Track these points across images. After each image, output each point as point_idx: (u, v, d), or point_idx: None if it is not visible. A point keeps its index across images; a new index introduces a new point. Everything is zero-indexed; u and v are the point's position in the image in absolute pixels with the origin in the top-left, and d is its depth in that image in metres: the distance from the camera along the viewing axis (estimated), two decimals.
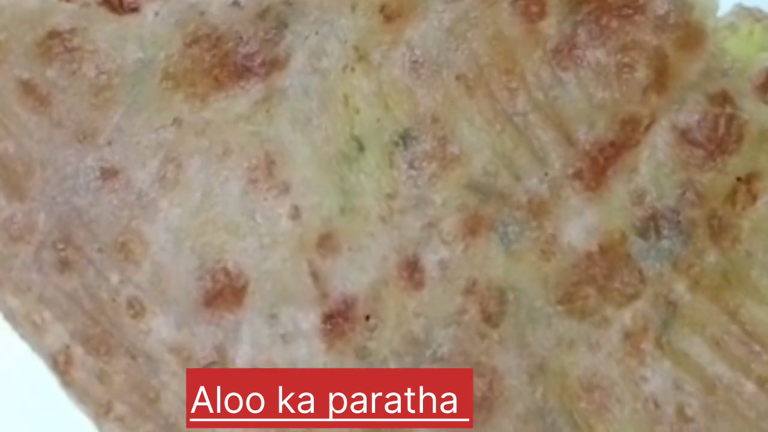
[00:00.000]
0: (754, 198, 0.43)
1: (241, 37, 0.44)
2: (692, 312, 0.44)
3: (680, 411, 0.44)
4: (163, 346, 0.45)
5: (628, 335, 0.44)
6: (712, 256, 0.44)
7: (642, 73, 0.43)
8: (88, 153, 0.45)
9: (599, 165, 0.44)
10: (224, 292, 0.45)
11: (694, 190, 0.44)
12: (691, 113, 0.44)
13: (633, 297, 0.44)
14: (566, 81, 0.44)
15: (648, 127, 0.44)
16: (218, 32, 0.44)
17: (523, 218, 0.44)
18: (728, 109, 0.43)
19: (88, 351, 0.45)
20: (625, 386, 0.44)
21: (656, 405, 0.44)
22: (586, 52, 0.44)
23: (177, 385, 0.45)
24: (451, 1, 0.44)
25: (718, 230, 0.43)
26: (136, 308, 0.45)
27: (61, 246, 0.45)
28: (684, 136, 0.44)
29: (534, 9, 0.44)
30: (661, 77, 0.43)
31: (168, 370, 0.45)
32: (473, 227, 0.44)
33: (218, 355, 0.45)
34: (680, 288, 0.44)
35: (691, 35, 0.44)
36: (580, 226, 0.44)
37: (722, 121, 0.43)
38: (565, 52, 0.44)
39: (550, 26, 0.44)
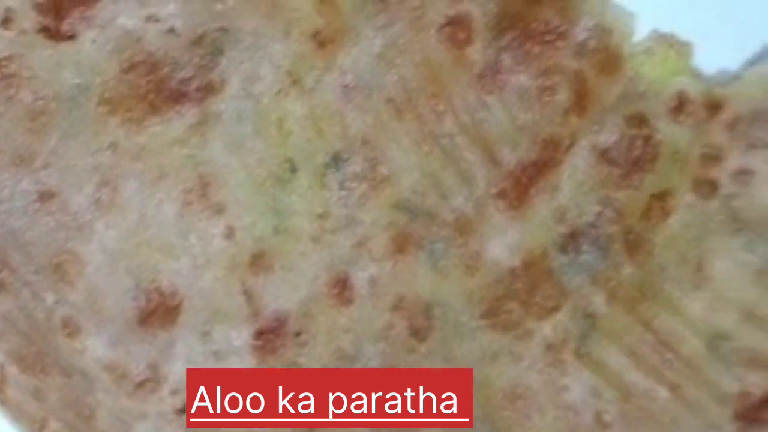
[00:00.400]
0: (666, 214, 0.46)
1: (176, 63, 0.46)
2: (610, 323, 0.46)
3: (598, 418, 0.46)
4: (97, 364, 0.46)
5: (549, 347, 0.46)
6: (628, 270, 0.46)
7: (563, 96, 0.46)
8: (25, 176, 0.46)
9: (522, 184, 0.46)
10: (158, 311, 0.46)
11: (612, 208, 0.46)
12: (609, 134, 0.46)
13: (553, 310, 0.46)
14: (491, 104, 0.46)
15: (569, 148, 0.46)
16: (154, 58, 0.46)
17: (449, 236, 0.46)
18: (644, 130, 0.46)
19: (22, 370, 0.47)
20: (546, 395, 0.46)
21: (576, 412, 0.46)
22: (510, 77, 0.46)
23: (111, 403, 0.47)
24: (382, 28, 0.46)
25: (634, 245, 0.46)
26: (71, 328, 0.46)
27: None
28: (603, 155, 0.46)
29: (461, 35, 0.46)
30: (582, 100, 0.46)
31: (103, 387, 0.47)
32: (401, 245, 0.46)
33: (152, 373, 0.46)
34: (598, 301, 0.46)
35: (610, 60, 0.46)
36: (503, 243, 0.46)
37: (638, 142, 0.46)
38: (489, 77, 0.46)
39: (476, 52, 0.46)
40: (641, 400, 0.46)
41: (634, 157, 0.46)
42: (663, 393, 0.46)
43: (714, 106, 0.46)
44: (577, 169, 0.46)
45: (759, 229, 0.45)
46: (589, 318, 0.46)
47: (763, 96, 0.46)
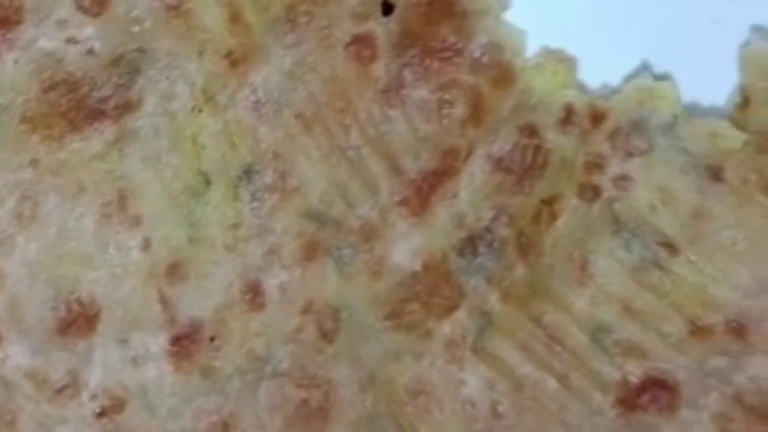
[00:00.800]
0: (554, 217, 0.49)
1: (95, 83, 0.49)
2: (504, 320, 0.49)
3: (493, 409, 0.49)
4: (19, 371, 0.49)
5: (448, 344, 0.49)
6: (520, 270, 0.49)
7: (460, 109, 0.49)
8: None
9: (423, 192, 0.49)
10: (78, 321, 0.49)
11: (505, 213, 0.49)
12: (503, 144, 0.49)
13: (452, 310, 0.49)
14: (394, 117, 0.49)
15: (466, 157, 0.49)
16: (74, 78, 0.49)
17: (355, 242, 0.49)
18: (535, 140, 0.49)
19: None
20: (445, 390, 0.49)
21: (472, 405, 0.49)
22: (412, 91, 0.49)
23: (33, 408, 0.49)
24: (291, 47, 0.49)
25: (525, 247, 0.49)
26: None
27: None
28: (497, 164, 0.49)
29: (365, 53, 0.49)
30: (478, 112, 0.49)
31: (24, 394, 0.49)
32: (310, 252, 0.49)
33: (72, 379, 0.49)
34: (493, 299, 0.49)
35: (503, 75, 0.49)
36: (406, 248, 0.49)
37: (530, 151, 0.49)
38: (393, 92, 0.49)
39: (380, 68, 0.49)
40: (532, 391, 0.49)
41: (526, 165, 0.49)
42: (552, 383, 0.49)
43: (597, 118, 0.49)
44: (474, 177, 0.49)
45: (635, 230, 0.49)
46: (485, 316, 0.49)
47: (639, 108, 0.50)
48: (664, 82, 0.50)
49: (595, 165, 0.49)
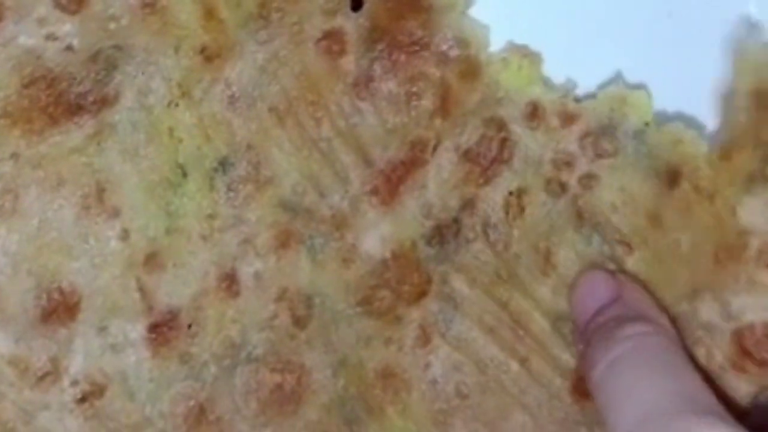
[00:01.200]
0: (522, 210, 0.52)
1: (74, 78, 0.51)
2: (470, 305, 0.52)
3: (458, 389, 0.52)
4: (1, 359, 0.51)
5: (417, 329, 0.51)
6: (487, 258, 0.52)
7: (428, 101, 0.51)
8: None
9: (392, 182, 0.51)
10: (59, 309, 0.51)
11: (472, 203, 0.52)
12: (470, 136, 0.51)
13: (421, 296, 0.51)
14: (364, 110, 0.51)
15: (434, 148, 0.51)
16: (53, 74, 0.50)
17: (327, 231, 0.51)
18: (502, 133, 0.52)
19: None
20: (413, 373, 0.52)
21: (438, 386, 0.52)
22: (381, 84, 0.51)
23: (15, 395, 0.51)
24: (264, 43, 0.51)
25: (493, 237, 0.51)
26: None
27: None
28: (464, 155, 0.51)
29: (335, 48, 0.51)
30: (445, 104, 0.51)
31: (6, 381, 0.51)
32: (284, 241, 0.51)
33: (53, 366, 0.51)
34: (460, 286, 0.52)
35: (470, 68, 0.51)
36: (376, 236, 0.51)
37: (495, 143, 0.51)
38: (362, 85, 0.51)
39: (350, 62, 0.51)
40: (495, 373, 0.52)
41: (492, 157, 0.51)
42: (514, 366, 0.52)
43: (569, 118, 0.52)
44: (441, 168, 0.51)
45: (596, 226, 0.51)
46: (452, 301, 0.52)
47: (610, 114, 0.52)
48: (638, 91, 0.52)
49: (564, 162, 0.51)
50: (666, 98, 0.53)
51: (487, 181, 0.51)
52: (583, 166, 0.52)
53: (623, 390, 0.46)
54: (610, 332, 0.48)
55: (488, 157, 0.51)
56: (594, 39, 0.54)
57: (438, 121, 0.51)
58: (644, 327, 0.48)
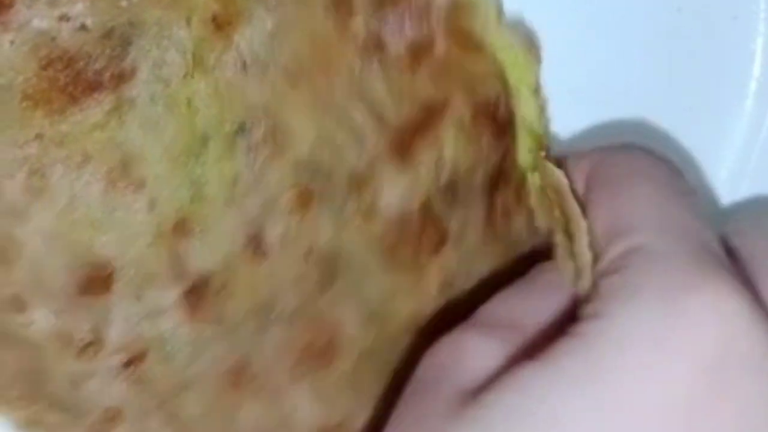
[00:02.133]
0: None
1: (90, 56, 0.53)
2: (487, 249, 0.56)
3: None
4: (44, 334, 0.54)
5: (439, 276, 0.55)
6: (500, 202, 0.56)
7: (435, 63, 0.54)
8: None
9: (407, 139, 0.54)
10: (95, 281, 0.53)
11: (488, 157, 0.55)
12: (486, 94, 0.54)
13: (440, 245, 0.55)
14: (374, 71, 0.54)
15: (447, 107, 0.54)
16: (69, 54, 0.53)
17: (346, 190, 0.54)
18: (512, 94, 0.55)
19: None
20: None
21: None
22: (390, 46, 0.53)
23: (60, 366, 0.54)
24: (272, 9, 0.53)
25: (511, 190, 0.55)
26: (18, 304, 0.53)
27: None
28: (478, 111, 0.54)
29: (344, 9, 0.53)
30: (450, 67, 0.54)
31: (51, 354, 0.54)
32: (305, 201, 0.54)
33: (94, 336, 0.54)
34: (473, 237, 0.55)
35: (473, 38, 0.54)
36: (394, 192, 0.54)
37: (504, 102, 0.55)
38: (372, 47, 0.54)
39: (359, 24, 0.53)
40: None
41: (504, 115, 0.55)
42: None
43: None
44: (454, 124, 0.54)
45: None
46: (466, 252, 0.55)
47: None
48: None
49: None
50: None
51: (502, 135, 0.54)
52: None
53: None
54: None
55: (501, 116, 0.54)
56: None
57: (448, 83, 0.54)
58: None
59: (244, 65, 0.54)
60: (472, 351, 0.49)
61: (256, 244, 0.54)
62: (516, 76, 0.54)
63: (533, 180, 0.54)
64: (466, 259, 0.56)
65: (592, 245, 0.50)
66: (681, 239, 0.47)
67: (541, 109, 0.54)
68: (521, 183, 0.55)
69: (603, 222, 0.49)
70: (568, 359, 0.45)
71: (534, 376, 0.46)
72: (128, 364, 0.54)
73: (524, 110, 0.54)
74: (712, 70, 0.58)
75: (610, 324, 0.45)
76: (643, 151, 0.51)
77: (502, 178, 0.55)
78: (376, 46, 0.54)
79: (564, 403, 0.45)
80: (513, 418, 0.45)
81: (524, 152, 0.55)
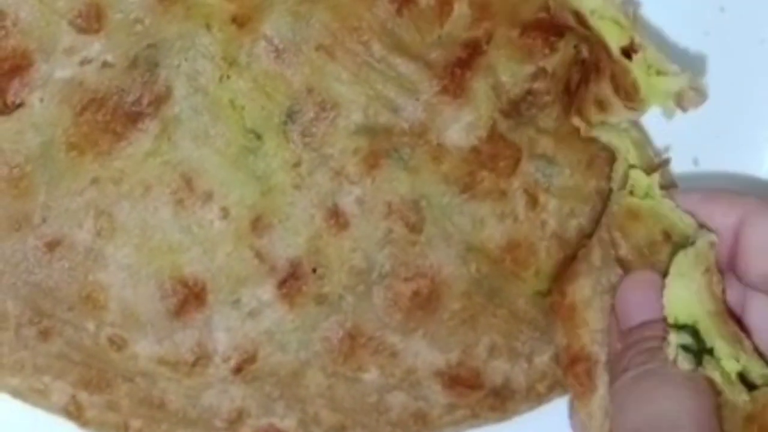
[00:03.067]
0: (596, 63, 0.58)
1: (122, 90, 0.56)
2: (562, 155, 0.60)
3: (579, 230, 0.61)
4: (152, 362, 0.58)
5: (523, 195, 0.59)
6: (558, 113, 0.60)
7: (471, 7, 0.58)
8: (28, 235, 0.57)
9: (458, 76, 0.58)
10: (188, 300, 0.58)
11: (543, 70, 0.58)
12: (527, 14, 0.58)
13: (516, 164, 0.59)
14: (407, 25, 0.57)
15: (489, 40, 0.58)
16: (101, 93, 0.56)
17: (410, 140, 0.58)
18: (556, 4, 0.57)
19: (91, 392, 0.58)
20: (534, 235, 0.60)
21: (560, 238, 0.60)
22: None
23: (175, 387, 0.59)
24: None
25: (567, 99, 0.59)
26: (118, 342, 0.58)
27: (36, 320, 0.57)
28: (523, 32, 0.58)
29: None
30: (483, 11, 0.58)
31: (163, 378, 0.59)
32: (372, 162, 0.58)
33: (201, 351, 0.58)
34: (546, 142, 0.60)
35: None
36: (458, 128, 0.58)
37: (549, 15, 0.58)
38: (399, 1, 0.57)
39: None
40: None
41: (551, 29, 0.58)
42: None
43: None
44: (502, 47, 0.58)
45: None
46: (545, 158, 0.60)
47: None
48: None
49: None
50: None
51: (552, 49, 0.58)
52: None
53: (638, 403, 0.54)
54: (650, 350, 0.55)
55: (548, 31, 0.58)
56: None
57: (486, 23, 0.58)
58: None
59: (277, 52, 0.57)
60: None
61: (336, 218, 0.58)
62: None
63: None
64: (543, 166, 0.60)
65: None
66: None
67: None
68: (620, 71, 0.57)
69: None
70: None
71: None
72: (239, 368, 0.59)
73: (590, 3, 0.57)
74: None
75: None
76: None
77: (592, 71, 0.59)
78: (404, 0, 0.57)
79: None
80: None
81: (614, 42, 0.57)
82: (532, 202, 0.60)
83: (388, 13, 0.58)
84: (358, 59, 0.58)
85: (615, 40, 0.56)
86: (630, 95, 0.56)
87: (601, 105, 0.58)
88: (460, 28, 0.58)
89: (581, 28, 0.57)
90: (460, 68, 0.58)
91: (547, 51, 0.59)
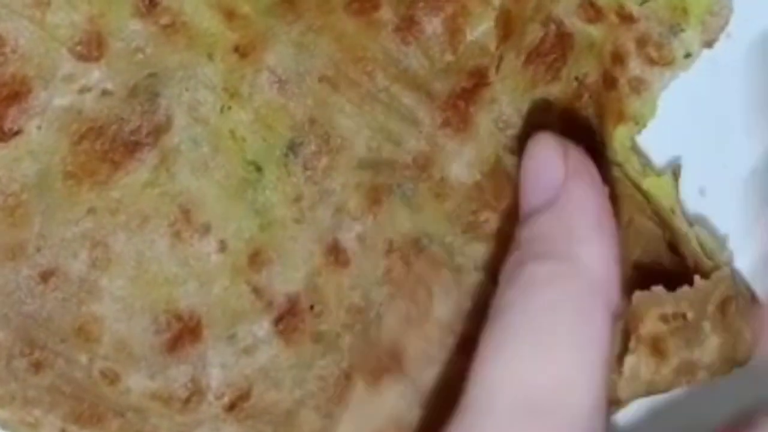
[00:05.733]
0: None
1: (122, 118, 0.60)
2: None
3: None
4: (144, 397, 0.62)
5: None
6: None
7: (478, 32, 0.62)
8: (22, 265, 0.60)
9: (461, 108, 0.62)
10: (182, 335, 0.61)
11: (545, 101, 0.62)
12: (530, 40, 0.62)
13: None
14: (412, 53, 0.61)
15: (497, 69, 0.62)
16: (100, 122, 0.60)
17: (412, 175, 0.62)
18: (559, 29, 0.62)
19: (82, 426, 0.62)
20: None
21: None
22: (425, 26, 0.61)
23: (167, 423, 0.62)
24: (293, 22, 0.61)
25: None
26: (111, 376, 0.61)
27: (27, 351, 0.61)
28: (527, 60, 0.62)
29: (367, 5, 0.61)
30: (507, 27, 0.62)
31: (155, 414, 0.62)
32: (374, 198, 0.62)
33: (194, 386, 0.62)
34: None
35: None
36: (461, 163, 0.62)
37: (554, 38, 0.62)
38: (406, 29, 0.61)
39: (387, 13, 0.61)
40: None
41: (554, 51, 0.62)
42: None
43: (626, 18, 0.63)
44: (507, 79, 0.62)
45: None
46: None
47: (670, 20, 0.63)
48: None
49: (618, 59, 0.62)
50: None
51: (555, 76, 0.63)
52: (635, 68, 0.64)
53: (485, 356, 0.56)
54: (515, 266, 0.57)
55: (550, 54, 0.62)
56: None
57: (498, 48, 0.62)
58: (545, 273, 0.56)
59: (280, 83, 0.61)
60: None
61: (335, 254, 0.62)
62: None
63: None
64: None
65: None
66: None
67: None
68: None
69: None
70: None
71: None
72: (232, 406, 0.62)
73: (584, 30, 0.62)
74: None
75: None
76: None
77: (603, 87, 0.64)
78: (409, 28, 0.61)
79: None
80: None
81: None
82: None
83: (394, 42, 0.62)
84: (362, 90, 0.62)
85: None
86: None
87: None
88: (470, 55, 0.62)
89: None
90: (463, 101, 0.62)
91: (549, 77, 0.63)
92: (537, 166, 0.59)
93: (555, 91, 0.63)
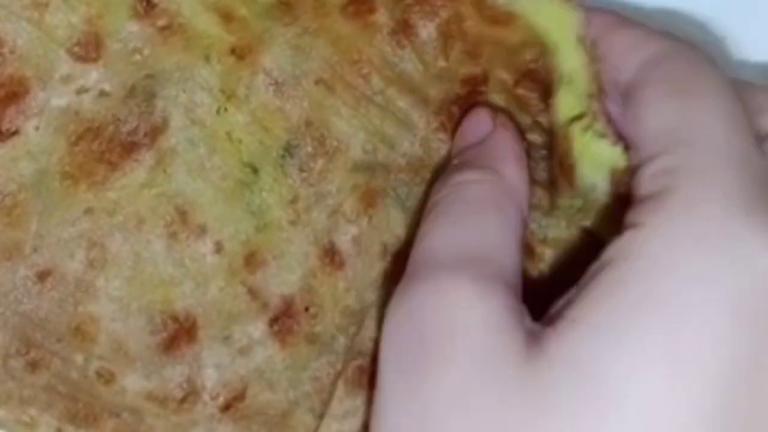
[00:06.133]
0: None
1: (119, 119, 0.61)
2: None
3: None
4: (139, 397, 0.63)
5: None
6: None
7: (465, 43, 0.62)
8: (19, 265, 0.61)
9: (455, 114, 0.63)
10: (178, 335, 0.63)
11: (537, 124, 0.64)
12: (519, 65, 0.62)
13: None
14: (407, 57, 0.62)
15: (486, 80, 0.63)
16: (97, 123, 0.61)
17: (407, 178, 0.63)
18: (548, 59, 0.62)
19: (78, 426, 0.63)
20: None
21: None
22: (419, 30, 0.62)
23: (163, 423, 0.63)
24: (290, 25, 0.62)
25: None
26: (106, 376, 0.62)
27: (23, 351, 0.62)
28: (518, 81, 0.63)
29: (363, 8, 0.62)
30: (478, 46, 0.62)
31: (151, 414, 0.63)
32: (370, 201, 0.63)
33: (189, 387, 0.63)
34: (542, 194, 0.64)
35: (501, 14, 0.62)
36: None
37: (544, 67, 0.62)
38: (401, 33, 0.62)
39: (382, 16, 0.62)
40: None
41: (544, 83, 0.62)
42: None
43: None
44: (499, 91, 0.63)
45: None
46: (538, 209, 0.64)
47: None
48: None
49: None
50: None
51: (547, 106, 0.62)
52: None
53: (423, 234, 0.60)
54: (447, 175, 0.61)
55: (541, 82, 0.62)
56: None
57: (484, 58, 0.63)
58: (474, 175, 0.61)
59: (276, 85, 0.62)
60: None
61: (331, 256, 0.63)
62: (556, 34, 0.62)
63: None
64: (539, 217, 0.65)
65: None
66: (740, 169, 0.56)
67: (588, 60, 0.61)
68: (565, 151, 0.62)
69: (664, 122, 0.58)
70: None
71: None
72: (227, 406, 0.63)
73: (569, 65, 0.61)
74: None
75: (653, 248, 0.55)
76: (709, 58, 0.60)
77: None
78: (404, 31, 0.62)
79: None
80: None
81: (564, 107, 0.62)
82: (529, 253, 0.65)
83: (389, 45, 0.63)
84: (357, 93, 0.63)
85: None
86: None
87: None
88: (463, 61, 0.63)
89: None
90: (457, 107, 0.64)
91: (542, 107, 0.63)
92: (470, 121, 0.64)
93: (548, 119, 0.64)
